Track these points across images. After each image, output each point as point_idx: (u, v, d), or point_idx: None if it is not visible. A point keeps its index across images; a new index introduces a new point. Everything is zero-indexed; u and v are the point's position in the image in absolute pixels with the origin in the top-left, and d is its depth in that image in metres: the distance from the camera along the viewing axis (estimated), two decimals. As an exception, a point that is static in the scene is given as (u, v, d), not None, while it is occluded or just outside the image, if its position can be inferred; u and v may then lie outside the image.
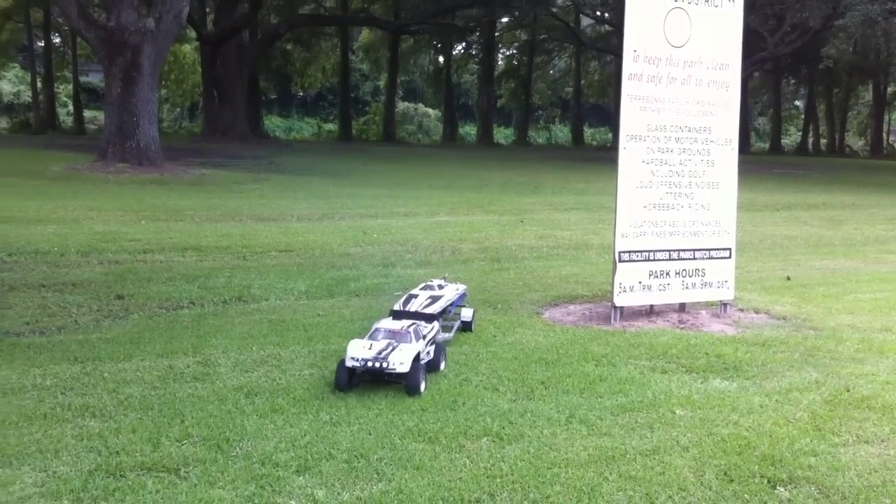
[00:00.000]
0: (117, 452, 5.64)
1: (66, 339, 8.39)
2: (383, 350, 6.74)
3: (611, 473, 5.52)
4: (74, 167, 26.71)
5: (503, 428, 6.25)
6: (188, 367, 7.56)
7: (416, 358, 6.83)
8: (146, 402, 6.64)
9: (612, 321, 9.56)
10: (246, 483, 5.24)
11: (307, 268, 12.46)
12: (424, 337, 7.19)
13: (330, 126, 69.97)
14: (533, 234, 16.93)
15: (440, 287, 8.92)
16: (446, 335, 8.24)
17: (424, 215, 19.42)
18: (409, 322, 7.33)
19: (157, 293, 10.46)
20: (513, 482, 5.35)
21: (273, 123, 68.81)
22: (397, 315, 7.83)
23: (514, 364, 7.83)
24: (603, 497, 5.17)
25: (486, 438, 6.06)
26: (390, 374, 6.70)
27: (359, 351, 6.75)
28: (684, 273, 9.95)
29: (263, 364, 7.69)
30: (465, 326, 8.82)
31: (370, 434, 6.07)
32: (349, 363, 6.70)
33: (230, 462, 5.53)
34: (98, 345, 8.18)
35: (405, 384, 6.74)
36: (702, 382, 7.51)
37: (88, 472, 5.34)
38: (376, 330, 7.14)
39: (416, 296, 8.55)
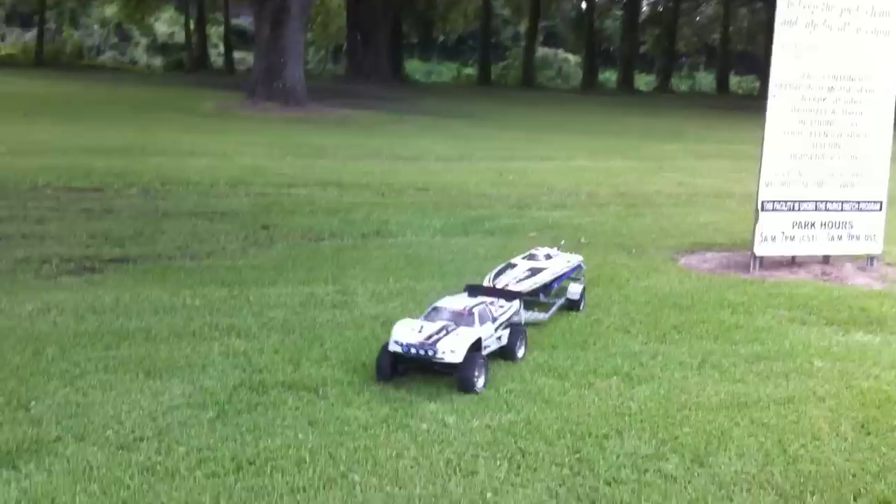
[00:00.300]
0: (260, 370, 5.94)
1: (214, 264, 8.83)
2: (434, 334, 5.61)
3: (742, 419, 5.45)
4: (225, 105, 27.72)
5: (633, 369, 6.25)
6: (328, 295, 7.85)
7: (476, 346, 5.71)
8: (288, 326, 6.95)
9: (751, 270, 9.32)
10: (380, 405, 5.43)
11: (443, 206, 12.62)
12: (495, 320, 6.09)
13: (469, 70, 69.80)
14: (672, 180, 16.58)
15: (547, 257, 7.69)
16: (539, 315, 7.07)
17: (562, 159, 19.27)
18: (478, 301, 6.16)
19: (300, 225, 10.84)
20: (641, 421, 5.36)
21: (414, 67, 69.24)
22: (473, 291, 6.53)
23: (647, 308, 7.78)
24: (733, 441, 5.12)
25: (615, 378, 6.07)
26: (441, 364, 5.56)
27: (405, 333, 5.65)
28: (830, 225, 9.58)
29: (399, 296, 7.90)
30: (572, 305, 7.51)
31: (500, 367, 6.18)
32: (392, 347, 5.66)
33: (366, 385, 5.74)
34: (244, 270, 8.58)
35: (457, 377, 5.60)
36: (843, 335, 7.27)
37: (233, 387, 5.66)
38: (434, 309, 6.01)
39: (513, 265, 7.50)
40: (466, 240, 10.54)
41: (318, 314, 7.28)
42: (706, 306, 7.90)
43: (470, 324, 5.82)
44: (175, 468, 4.53)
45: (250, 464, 4.59)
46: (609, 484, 4.54)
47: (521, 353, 6.30)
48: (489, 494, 4.40)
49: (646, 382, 6.00)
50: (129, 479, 4.40)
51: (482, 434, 5.11)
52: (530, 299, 7.15)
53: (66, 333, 6.51)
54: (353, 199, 12.92)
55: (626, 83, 63.20)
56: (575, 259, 8.03)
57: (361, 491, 4.39)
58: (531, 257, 7.72)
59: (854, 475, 4.75)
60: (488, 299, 6.34)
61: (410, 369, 5.77)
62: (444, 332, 5.64)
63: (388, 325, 6.85)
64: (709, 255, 10.24)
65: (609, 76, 72.48)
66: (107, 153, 15.62)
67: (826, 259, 9.90)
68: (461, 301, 6.14)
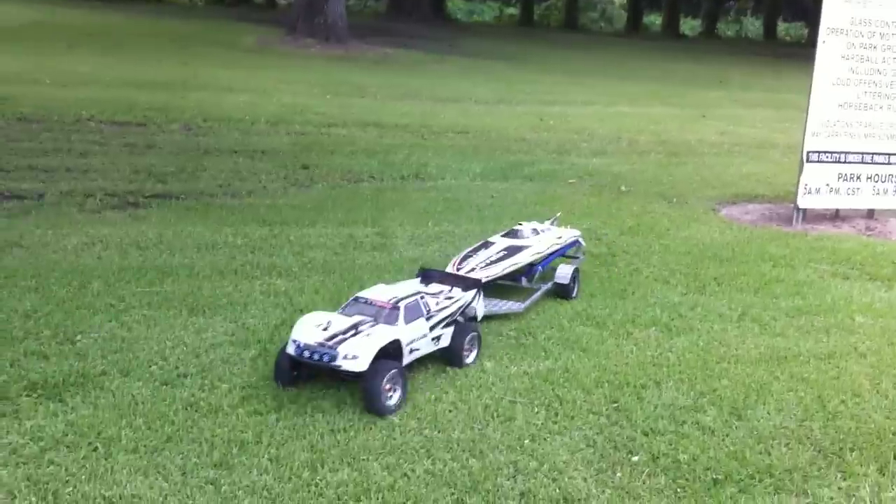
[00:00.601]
0: (301, 310, 5.98)
1: (255, 203, 8.88)
2: (340, 333, 4.65)
3: (782, 373, 5.43)
4: (265, 40, 27.58)
5: (672, 319, 6.24)
6: (367, 236, 7.88)
7: (392, 351, 4.73)
8: (328, 266, 7.00)
9: (794, 223, 9.21)
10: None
11: (483, 150, 12.55)
12: (430, 316, 5.07)
13: (511, 10, 68.80)
14: (714, 129, 16.33)
15: (534, 233, 6.71)
16: (511, 305, 6.07)
17: (602, 104, 19.03)
18: (412, 291, 5.18)
19: (340, 165, 10.84)
20: (679, 372, 5.36)
21: (455, 5, 68.34)
22: (426, 277, 5.71)
23: (687, 258, 7.73)
24: (772, 395, 5.11)
25: (654, 328, 6.07)
26: (344, 372, 4.57)
27: (306, 331, 4.72)
28: (876, 178, 9.41)
29: (437, 239, 7.92)
30: (561, 291, 6.46)
31: (538, 314, 6.19)
32: (290, 348, 4.71)
33: (404, 328, 5.78)
34: (284, 210, 8.62)
35: (361, 390, 4.61)
36: (886, 291, 7.19)
37: (275, 326, 5.72)
38: (355, 300, 5.03)
39: (489, 244, 6.53)
40: (506, 185, 10.49)
41: (358, 256, 7.33)
42: (747, 258, 7.83)
43: (391, 321, 4.80)
44: (218, 405, 4.61)
45: (291, 403, 4.66)
46: (646, 434, 4.57)
47: (470, 357, 5.30)
48: (527, 441, 4.45)
49: (684, 334, 5.99)
50: (174, 415, 4.50)
51: (520, 380, 5.14)
52: (510, 284, 6.39)
53: (111, 268, 6.61)
54: (393, 140, 12.87)
55: (670, 27, 61.98)
56: (569, 235, 6.99)
57: (401, 433, 4.45)
58: (512, 234, 6.70)
59: (894, 433, 4.73)
60: (434, 289, 5.51)
61: (315, 374, 4.85)
62: (352, 331, 4.66)
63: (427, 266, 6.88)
64: (751, 206, 10.12)
65: (654, 19, 71.09)
66: (149, 87, 15.66)
67: (870, 213, 9.76)
68: (392, 290, 5.15)
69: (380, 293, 5.09)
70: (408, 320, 4.87)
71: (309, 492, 3.90)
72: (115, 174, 9.56)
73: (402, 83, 20.04)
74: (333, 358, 4.53)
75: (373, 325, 4.74)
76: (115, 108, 13.12)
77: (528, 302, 6.17)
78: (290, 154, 11.25)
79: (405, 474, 4.08)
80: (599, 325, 6.06)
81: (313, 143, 12.06)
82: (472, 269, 6.12)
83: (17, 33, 23.35)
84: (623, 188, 10.47)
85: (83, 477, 3.91)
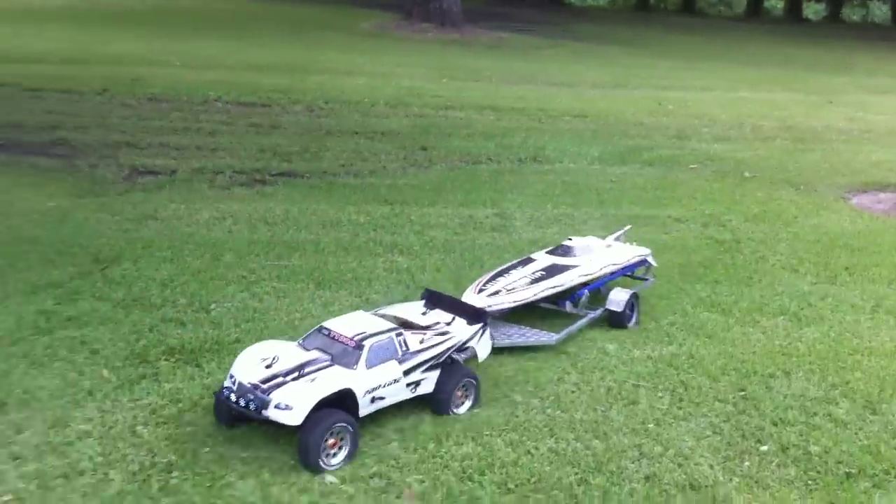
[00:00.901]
0: (423, 287, 6.06)
1: (376, 182, 9.01)
2: (281, 375, 3.91)
3: (918, 368, 5.23)
4: (382, 25, 27.89)
5: (802, 309, 6.07)
6: (487, 217, 7.91)
7: (342, 401, 3.91)
8: (449, 246, 7.06)
9: (930, 214, 8.82)
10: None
11: (600, 134, 12.41)
12: (404, 358, 4.19)
13: (626, -6, 67.70)
14: (842, 115, 15.72)
15: (584, 251, 5.76)
16: (542, 337, 5.16)
17: (722, 90, 18.55)
18: (387, 329, 4.24)
19: (458, 147, 10.90)
20: (810, 363, 5.21)
21: (568, -11, 67.62)
22: (430, 301, 4.86)
23: (817, 247, 7.49)
24: (908, 389, 4.93)
25: (782, 317, 5.91)
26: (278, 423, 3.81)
27: (247, 367, 4.02)
28: None
29: (556, 222, 7.89)
30: (614, 320, 5.51)
31: (660, 299, 6.11)
32: (225, 391, 4.02)
33: (526, 308, 5.78)
34: (405, 189, 8.73)
35: (298, 445, 3.86)
36: None
37: (398, 302, 5.80)
38: (318, 330, 4.25)
39: (530, 261, 5.65)
40: (625, 169, 10.36)
41: (478, 236, 7.37)
42: (880, 248, 7.55)
43: (350, 363, 3.99)
44: (346, 376, 4.72)
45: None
46: (776, 424, 4.47)
47: (462, 407, 4.42)
48: (651, 425, 4.41)
49: (815, 324, 5.82)
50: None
51: (643, 364, 5.10)
52: (553, 308, 5.54)
53: (241, 241, 6.83)
54: (509, 123, 12.85)
55: (792, 11, 59.86)
56: (634, 253, 6.02)
57: (524, 412, 4.47)
58: (560, 250, 5.79)
59: None
60: (429, 319, 4.64)
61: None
62: (296, 373, 3.93)
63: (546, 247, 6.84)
64: (882, 195, 9.73)
65: (775, 3, 68.74)
66: (272, 70, 16.05)
67: None
68: (367, 322, 4.31)
69: (350, 325, 4.23)
70: (372, 363, 4.03)
71: (434, 463, 3.96)
72: (241, 153, 9.85)
73: (517, 67, 19.97)
74: (264, 406, 3.79)
75: (324, 368, 3.96)
76: (241, 90, 13.50)
77: (563, 333, 5.23)
78: (408, 136, 11.37)
79: (528, 451, 4.11)
80: (725, 312, 5.94)
81: (431, 126, 12.15)
82: (498, 292, 5.21)
83: (145, 17, 24.27)
84: (747, 174, 10.21)
85: (220, 438, 4.07)
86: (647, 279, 6.13)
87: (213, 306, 5.57)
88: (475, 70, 18.65)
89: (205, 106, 12.43)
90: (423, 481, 3.83)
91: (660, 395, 4.74)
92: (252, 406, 3.84)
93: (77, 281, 5.85)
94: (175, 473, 3.81)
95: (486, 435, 4.22)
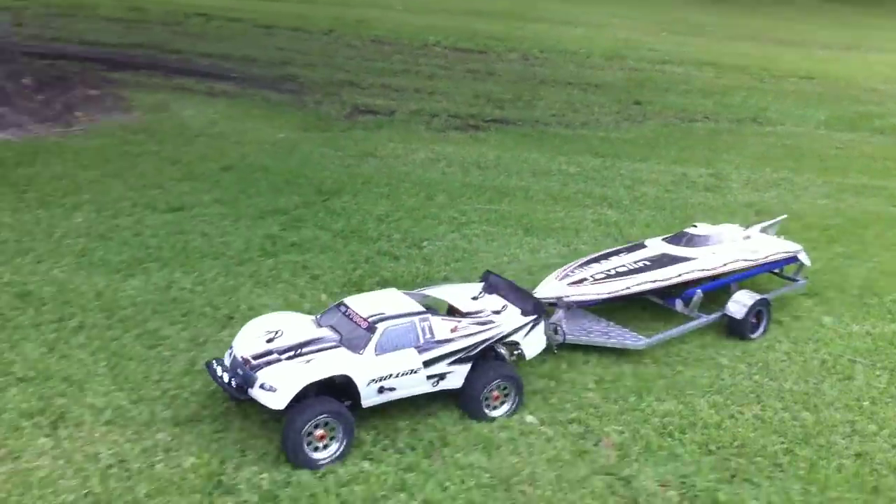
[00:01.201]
0: (629, 240, 5.98)
1: (587, 134, 8.95)
2: (276, 352, 3.51)
3: None
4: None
5: None
6: (700, 177, 7.71)
7: (342, 386, 3.48)
8: (659, 202, 6.95)
9: None
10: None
11: (828, 98, 11.73)
12: (425, 348, 3.64)
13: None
14: None
15: (704, 242, 4.89)
16: (629, 339, 4.44)
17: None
18: (414, 311, 3.71)
19: (673, 104, 10.62)
20: None
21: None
22: (489, 284, 4.24)
23: None
24: None
25: None
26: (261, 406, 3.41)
27: (248, 339, 3.64)
28: None
29: (775, 186, 7.58)
30: (734, 327, 4.70)
31: (881, 274, 5.79)
32: (214, 363, 3.66)
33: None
34: (617, 143, 8.63)
35: (282, 434, 3.39)
36: None
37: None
38: (337, 306, 3.76)
39: (639, 248, 4.93)
40: (852, 135, 9.78)
41: (690, 195, 7.21)
42: None
43: (357, 347, 3.52)
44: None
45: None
46: None
47: (499, 410, 3.78)
48: (866, 403, 4.22)
49: None
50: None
51: (861, 340, 4.87)
52: (661, 306, 4.84)
53: (454, 183, 7.00)
54: (729, 81, 12.37)
55: None
56: (779, 248, 5.05)
57: (730, 376, 4.39)
58: (678, 238, 4.94)
59: None
60: (480, 304, 4.04)
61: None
62: (293, 351, 3.50)
63: (761, 214, 6.61)
64: None
65: None
66: (488, 16, 16.18)
67: None
68: (396, 302, 3.77)
69: (370, 303, 3.69)
70: (384, 349, 3.54)
71: (634, 415, 3.97)
72: (457, 97, 10.03)
73: (742, 23, 19.13)
74: (249, 383, 3.36)
75: (326, 349, 3.49)
76: (458, 36, 13.70)
77: (656, 338, 4.48)
78: (622, 89, 11.19)
79: (733, 415, 4.04)
80: (958, 294, 5.55)
81: (646, 80, 11.89)
82: (583, 281, 4.53)
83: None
84: None
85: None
86: (796, 279, 5.27)
87: (425, 243, 5.77)
88: (697, 24, 18.04)
89: (424, 50, 12.72)
90: (623, 432, 3.85)
91: (878, 373, 4.52)
92: (234, 383, 3.49)
93: (301, 209, 6.21)
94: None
95: (689, 394, 4.18)
